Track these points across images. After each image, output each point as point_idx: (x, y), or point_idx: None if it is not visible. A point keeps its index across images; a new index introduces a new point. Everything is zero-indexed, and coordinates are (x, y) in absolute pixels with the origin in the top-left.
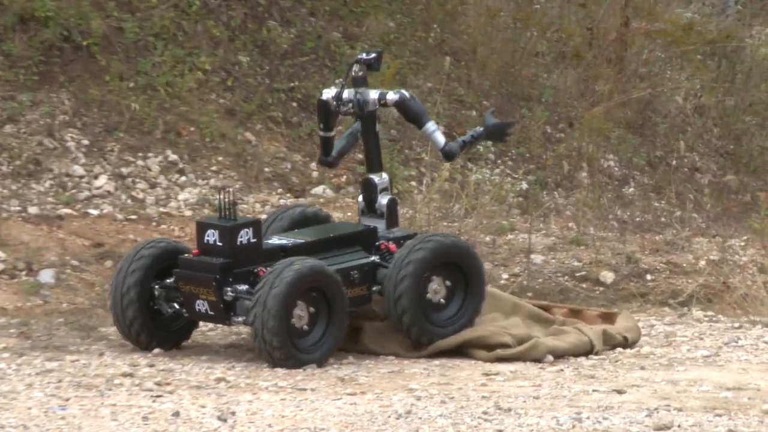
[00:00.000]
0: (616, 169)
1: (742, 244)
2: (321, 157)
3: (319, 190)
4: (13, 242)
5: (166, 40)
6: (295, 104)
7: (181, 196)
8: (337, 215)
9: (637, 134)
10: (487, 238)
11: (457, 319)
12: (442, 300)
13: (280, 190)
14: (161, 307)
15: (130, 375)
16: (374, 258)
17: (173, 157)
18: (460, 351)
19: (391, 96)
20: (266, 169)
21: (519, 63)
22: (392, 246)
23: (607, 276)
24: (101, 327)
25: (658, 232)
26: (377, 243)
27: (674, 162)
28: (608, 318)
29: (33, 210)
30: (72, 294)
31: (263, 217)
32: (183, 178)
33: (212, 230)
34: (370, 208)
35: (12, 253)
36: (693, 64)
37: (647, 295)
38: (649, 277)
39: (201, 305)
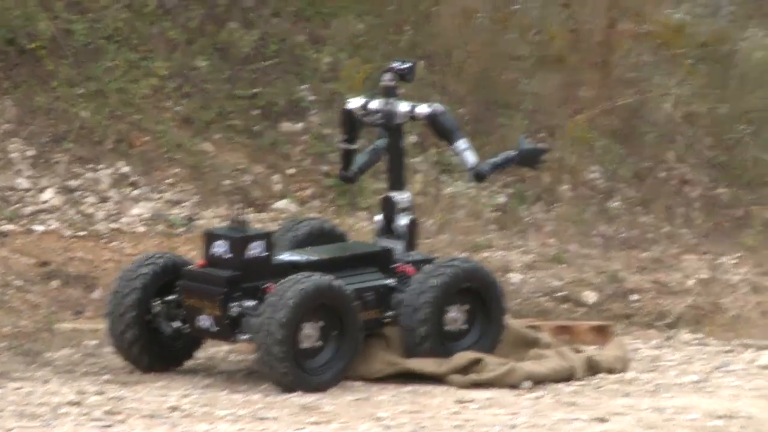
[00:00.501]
0: (601, 181)
1: (734, 261)
2: (341, 171)
3: (282, 204)
4: None
5: (118, 43)
6: (256, 112)
7: (133, 211)
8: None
9: (623, 144)
10: (462, 256)
11: (476, 348)
12: (462, 327)
13: (240, 204)
14: (161, 326)
15: (78, 403)
16: (390, 281)
17: (125, 169)
18: (432, 376)
19: (423, 109)
20: (225, 182)
21: (497, 67)
22: (409, 269)
23: (590, 296)
24: (47, 352)
25: (644, 248)
26: (394, 265)
27: (663, 174)
28: (601, 332)
29: None
30: (15, 316)
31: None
32: (136, 192)
33: (221, 241)
34: (388, 228)
35: None
36: (683, 69)
37: (632, 317)
38: (634, 297)
39: (204, 320)
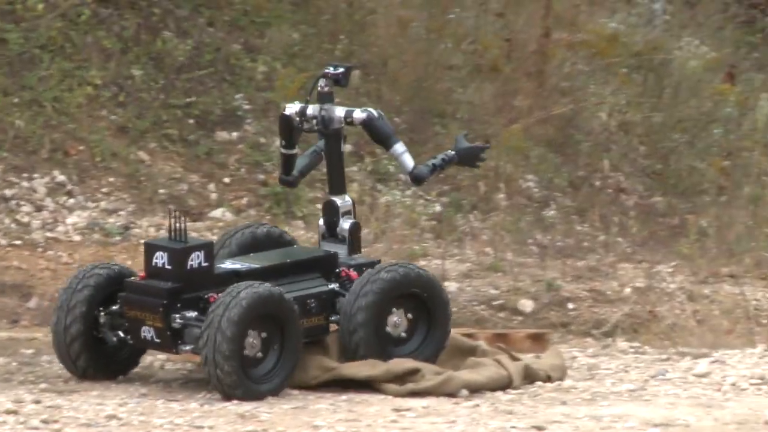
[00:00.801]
0: (536, 190)
1: (670, 270)
2: (281, 176)
3: (218, 213)
4: None
5: (53, 52)
6: (192, 121)
7: (69, 220)
8: None
9: (558, 153)
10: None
11: (418, 354)
12: (402, 334)
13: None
14: (105, 336)
15: (14, 412)
16: (333, 286)
17: (61, 177)
18: (369, 385)
19: (358, 114)
20: (161, 191)
21: (432, 77)
22: (353, 273)
23: (527, 304)
24: None
25: (580, 257)
26: (338, 270)
27: (598, 182)
28: (537, 340)
29: None
30: None
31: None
32: (71, 201)
33: (161, 252)
34: (331, 232)
35: None
36: (618, 78)
37: (569, 325)
38: (570, 305)
39: (147, 332)
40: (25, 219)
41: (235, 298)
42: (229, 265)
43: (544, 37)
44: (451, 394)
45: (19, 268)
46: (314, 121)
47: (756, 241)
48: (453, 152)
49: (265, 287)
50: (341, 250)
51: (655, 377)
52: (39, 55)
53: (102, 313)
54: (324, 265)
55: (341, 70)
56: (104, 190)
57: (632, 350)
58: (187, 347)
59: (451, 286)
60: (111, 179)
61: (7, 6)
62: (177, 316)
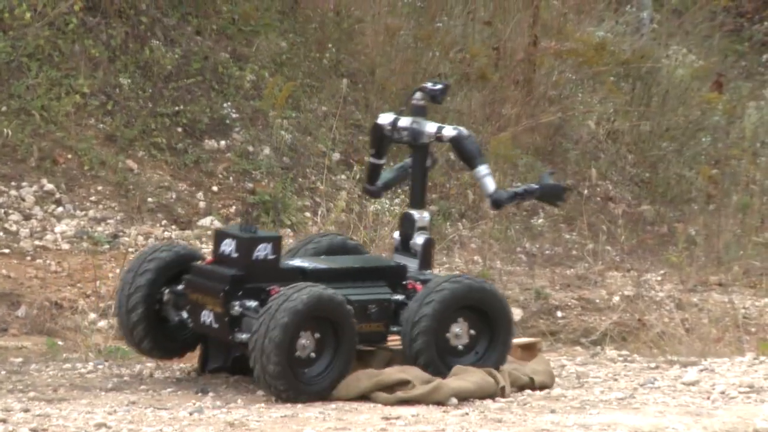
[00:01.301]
0: None
1: (659, 278)
2: (366, 185)
3: (206, 221)
4: None
5: (40, 60)
6: (180, 129)
7: (57, 229)
8: None
9: (546, 161)
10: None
11: (483, 365)
12: (463, 345)
13: (164, 222)
14: (168, 314)
15: (3, 421)
16: (399, 297)
17: (49, 186)
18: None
19: (448, 131)
20: (149, 199)
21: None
22: (419, 286)
23: (515, 313)
24: None
25: (569, 265)
26: (405, 282)
27: (586, 191)
28: (529, 349)
29: None
30: None
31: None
32: (60, 209)
33: (229, 240)
34: (404, 245)
35: None
36: (606, 87)
37: (558, 333)
38: (559, 314)
39: (206, 316)
40: (14, 227)
41: (291, 297)
42: (297, 262)
43: (531, 45)
44: (440, 403)
45: (7, 276)
46: (404, 133)
47: (744, 250)
48: (536, 186)
49: (321, 288)
50: (412, 264)
51: (644, 385)
52: (27, 64)
53: (166, 292)
54: (391, 276)
55: (440, 86)
56: (93, 198)
57: (621, 358)
58: (243, 336)
59: None
60: (99, 188)
61: None
62: (236, 303)
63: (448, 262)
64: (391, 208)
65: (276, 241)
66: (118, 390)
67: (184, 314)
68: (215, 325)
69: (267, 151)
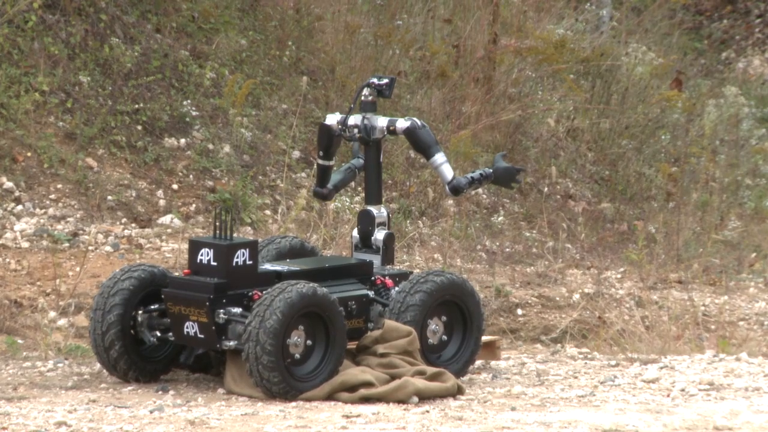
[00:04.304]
0: (485, 196)
1: (619, 276)
2: (315, 187)
3: (166, 219)
4: None
5: None
6: (140, 127)
7: (17, 227)
8: (184, 246)
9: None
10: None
11: (454, 362)
12: (443, 338)
13: (124, 220)
14: (144, 336)
15: None
16: (371, 292)
17: (8, 184)
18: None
19: (401, 123)
20: (109, 197)
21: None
22: (388, 281)
23: None
24: None
25: (529, 263)
26: (372, 277)
27: (546, 189)
28: (488, 347)
29: None
30: None
31: None
32: (19, 207)
33: (207, 249)
34: (365, 242)
35: None
36: (565, 84)
37: (518, 331)
38: (520, 311)
39: (190, 327)
40: None
41: (282, 293)
42: (269, 267)
43: (491, 43)
44: (402, 401)
45: None
46: (356, 130)
47: (704, 247)
48: (490, 170)
49: (311, 286)
50: (374, 260)
51: (604, 383)
52: None
53: (140, 314)
54: (360, 272)
55: (386, 81)
56: (52, 196)
57: (581, 356)
58: (231, 343)
59: None
60: (59, 186)
61: None
62: (221, 311)
63: (409, 260)
64: (351, 206)
65: (253, 246)
66: (78, 388)
67: (159, 334)
68: (201, 336)
69: (227, 149)
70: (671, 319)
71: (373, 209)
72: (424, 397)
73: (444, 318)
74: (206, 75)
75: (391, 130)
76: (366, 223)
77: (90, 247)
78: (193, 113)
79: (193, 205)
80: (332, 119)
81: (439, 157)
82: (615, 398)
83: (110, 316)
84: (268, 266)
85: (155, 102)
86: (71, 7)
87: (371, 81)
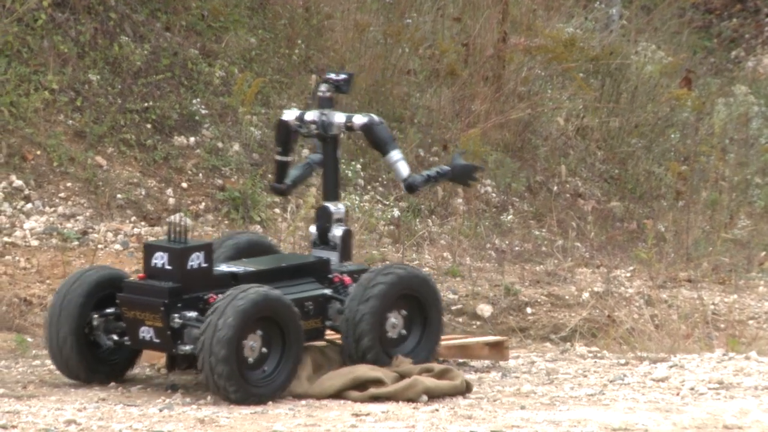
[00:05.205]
0: (494, 195)
1: (628, 275)
2: (273, 183)
3: (175, 218)
4: None
5: (9, 56)
6: (149, 126)
7: (27, 225)
8: None
9: (516, 158)
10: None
11: (416, 354)
12: (400, 334)
13: (134, 218)
14: (100, 339)
15: None
16: (328, 291)
17: (18, 182)
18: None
19: (359, 119)
20: (119, 196)
21: (390, 81)
22: (346, 279)
23: (485, 309)
24: None
25: (538, 262)
26: (330, 275)
27: (556, 187)
28: (495, 347)
29: None
30: None
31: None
32: (29, 206)
33: (161, 253)
34: (322, 238)
35: None
36: (575, 83)
37: (527, 330)
38: (529, 310)
39: (146, 332)
40: None
41: (234, 300)
42: (225, 268)
43: (501, 41)
44: (412, 400)
45: None
46: (313, 126)
47: (713, 246)
48: (448, 168)
49: (265, 290)
50: (332, 257)
51: (614, 382)
52: None
53: (95, 317)
54: (317, 270)
55: (343, 76)
56: (62, 195)
57: (591, 355)
58: (186, 347)
59: None
60: (68, 184)
61: None
62: (176, 315)
63: (418, 259)
64: (361, 203)
65: (208, 249)
66: (87, 387)
67: (115, 337)
68: (156, 340)
69: (236, 147)
70: (681, 318)
71: (331, 205)
72: (434, 395)
73: (404, 312)
74: (215, 73)
75: (349, 126)
76: (324, 219)
77: (99, 246)
78: (203, 111)
79: (203, 204)
80: (290, 115)
81: (396, 154)
82: (624, 397)
83: (65, 318)
84: (224, 267)
85: (164, 100)
86: (81, 6)
87: (329, 76)
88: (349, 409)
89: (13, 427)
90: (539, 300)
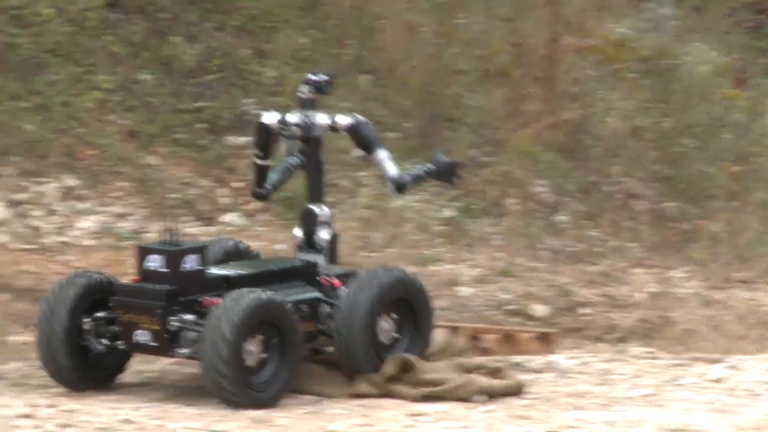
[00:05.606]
0: (547, 195)
1: (683, 275)
2: (254, 188)
3: (228, 217)
4: None
5: (62, 57)
6: (201, 126)
7: (80, 224)
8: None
9: (568, 158)
10: (411, 270)
11: (411, 353)
12: (392, 337)
13: (186, 218)
14: (90, 344)
15: (30, 416)
16: (319, 294)
17: (72, 182)
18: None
19: (344, 120)
20: (172, 196)
21: (441, 81)
22: (335, 281)
23: (539, 309)
24: None
25: (592, 262)
26: (318, 278)
27: (608, 188)
28: (545, 339)
29: None
30: None
31: None
32: (83, 205)
33: (155, 255)
34: (308, 242)
35: None
36: (627, 83)
37: (582, 330)
38: (583, 310)
39: (141, 335)
40: (37, 223)
41: (235, 304)
42: (216, 271)
43: (552, 42)
44: (465, 399)
45: (31, 272)
46: (295, 128)
47: (767, 247)
48: (432, 166)
49: (265, 294)
50: (319, 260)
51: (670, 382)
52: (48, 60)
53: (87, 320)
54: (305, 274)
55: (324, 77)
56: (115, 194)
57: (646, 355)
58: (183, 350)
59: (463, 291)
60: (121, 184)
61: (15, 11)
62: (173, 318)
63: (471, 259)
64: (414, 204)
65: (201, 251)
66: (143, 386)
67: (106, 341)
68: (153, 343)
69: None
70: (736, 319)
71: (316, 208)
72: (488, 395)
73: (394, 315)
74: (267, 73)
75: (333, 127)
76: (309, 222)
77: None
78: (255, 111)
79: (255, 204)
80: (270, 118)
81: (382, 153)
82: (680, 398)
83: (55, 323)
84: (215, 270)
85: (217, 100)
86: (132, 6)
87: (310, 77)
88: (404, 409)
89: (70, 425)
90: (593, 300)
